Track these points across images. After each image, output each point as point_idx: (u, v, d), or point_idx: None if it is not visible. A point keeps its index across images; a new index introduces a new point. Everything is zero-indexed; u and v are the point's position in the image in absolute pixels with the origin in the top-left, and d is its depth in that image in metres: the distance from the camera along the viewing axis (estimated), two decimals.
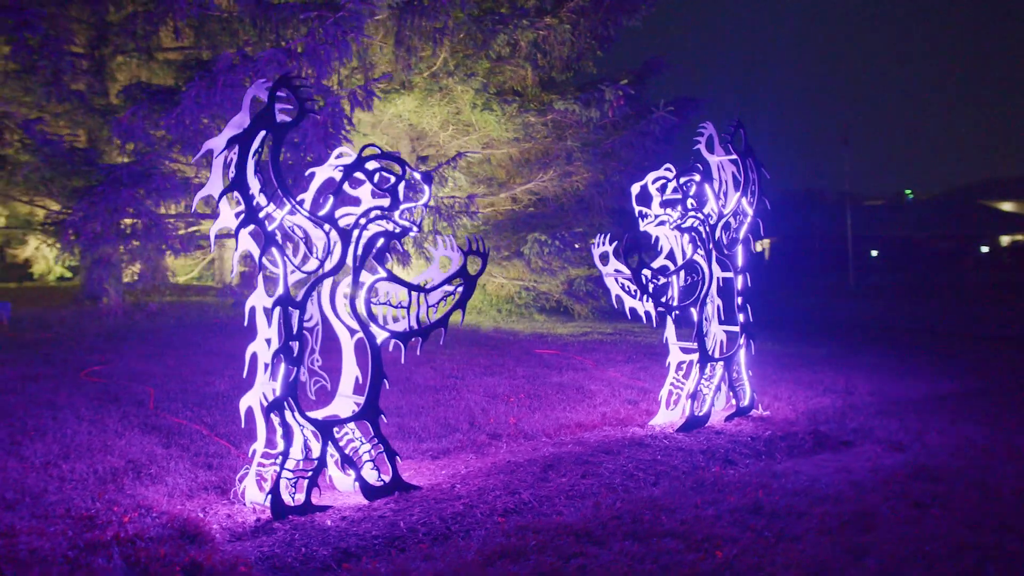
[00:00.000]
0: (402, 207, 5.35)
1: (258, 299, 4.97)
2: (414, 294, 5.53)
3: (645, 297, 6.92)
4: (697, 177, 7.24)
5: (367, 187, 5.34)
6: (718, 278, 7.63)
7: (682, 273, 7.23)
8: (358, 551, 4.49)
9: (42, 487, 5.00)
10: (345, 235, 5.15)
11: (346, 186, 5.27)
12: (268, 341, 4.98)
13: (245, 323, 4.99)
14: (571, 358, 10.83)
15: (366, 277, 5.32)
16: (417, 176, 5.47)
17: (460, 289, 5.74)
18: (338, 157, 5.30)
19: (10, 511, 4.64)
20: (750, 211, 7.70)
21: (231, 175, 4.78)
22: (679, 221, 7.10)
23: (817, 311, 21.51)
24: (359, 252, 5.20)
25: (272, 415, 4.92)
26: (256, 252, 4.86)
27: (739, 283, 7.68)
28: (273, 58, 9.17)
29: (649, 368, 10.16)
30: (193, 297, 14.70)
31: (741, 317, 7.71)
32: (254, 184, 4.77)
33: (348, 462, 5.23)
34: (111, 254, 10.00)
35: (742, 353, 7.76)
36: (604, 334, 13.47)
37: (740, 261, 7.70)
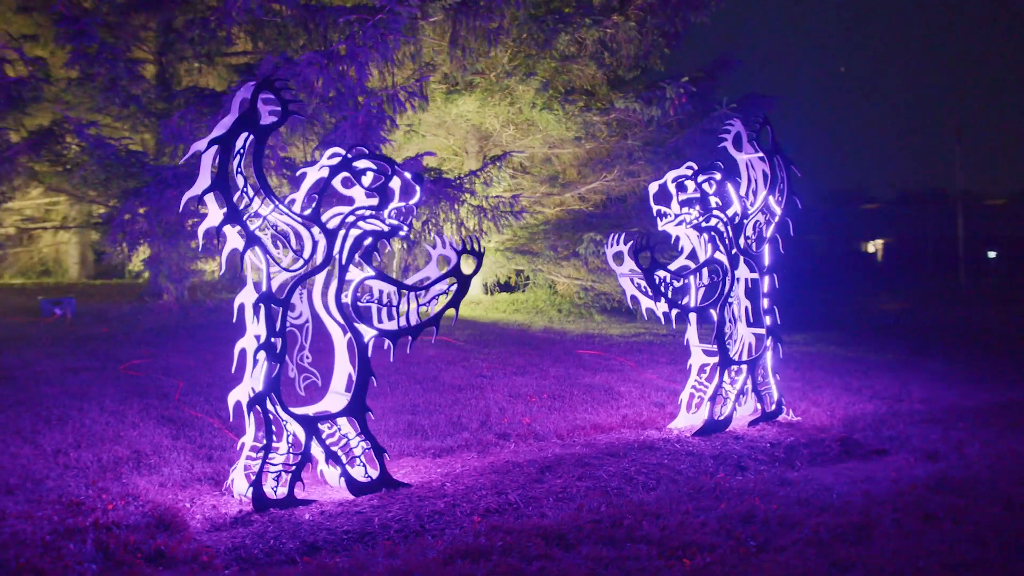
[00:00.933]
0: (391, 207, 5.39)
1: (246, 296, 5.09)
2: (404, 293, 5.57)
3: (661, 299, 6.77)
4: (718, 176, 7.03)
5: (373, 187, 5.41)
6: (746, 279, 7.40)
7: (703, 274, 7.04)
8: (324, 545, 4.56)
9: (45, 474, 5.27)
10: (331, 234, 5.22)
11: (339, 186, 5.35)
12: (257, 337, 5.11)
13: (234, 319, 5.11)
14: (612, 359, 10.69)
15: (355, 275, 5.38)
16: (408, 176, 5.49)
17: (453, 288, 5.75)
18: (331, 157, 5.38)
19: (8, 495, 4.91)
20: (778, 210, 7.42)
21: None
22: (698, 220, 6.91)
23: (914, 315, 20.50)
24: (345, 251, 5.27)
25: (255, 409, 5.03)
26: (241, 250, 4.98)
27: (766, 284, 7.42)
28: (313, 60, 9.40)
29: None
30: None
31: (768, 319, 7.45)
32: (236, 184, 4.89)
33: (333, 458, 5.31)
34: (161, 252, 10.47)
35: (768, 356, 7.50)
36: (657, 335, 13.24)
37: (767, 261, 7.44)
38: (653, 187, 7.07)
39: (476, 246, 5.84)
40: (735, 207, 7.19)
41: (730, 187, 7.17)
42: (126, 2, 11.26)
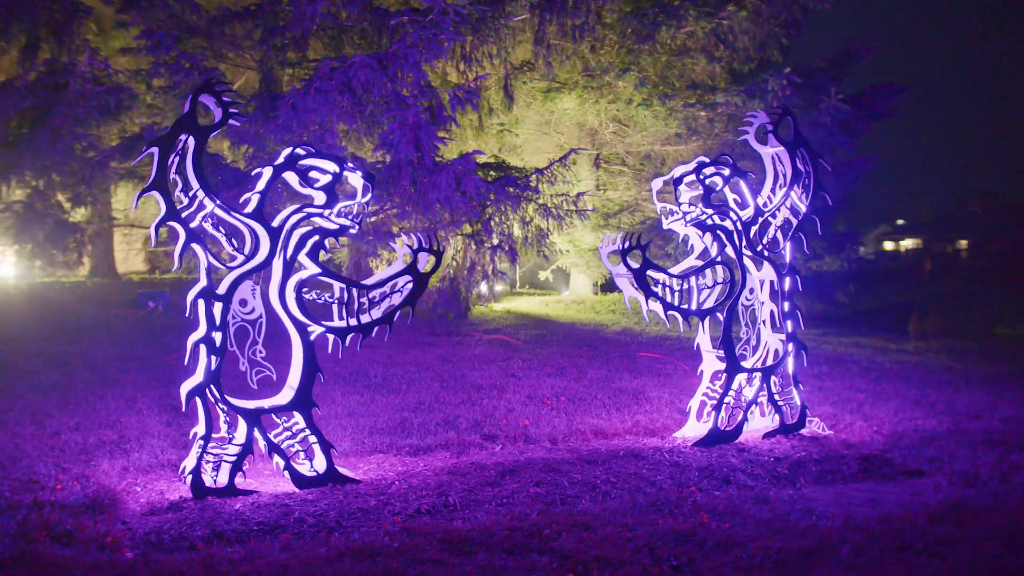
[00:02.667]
0: (339, 206, 5.42)
1: (193, 291, 5.28)
2: (355, 290, 5.58)
3: (651, 300, 6.41)
4: (726, 171, 6.57)
5: (321, 185, 5.49)
6: (770, 281, 6.88)
7: (708, 274, 6.60)
8: (231, 535, 4.64)
9: (28, 453, 5.71)
10: (274, 232, 5.32)
11: (296, 185, 5.45)
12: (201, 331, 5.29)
13: (187, 315, 5.31)
14: (671, 362, 10.23)
15: (303, 272, 5.46)
16: (358, 176, 5.51)
17: (409, 287, 5.71)
18: (287, 157, 5.47)
19: None
20: (803, 207, 6.85)
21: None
22: (701, 218, 6.49)
23: None
24: (290, 248, 5.36)
25: (195, 400, 5.22)
26: (180, 246, 5.17)
27: (787, 286, 6.87)
28: (365, 63, 9.62)
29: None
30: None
31: (789, 324, 6.88)
32: (174, 183, 5.09)
33: (277, 450, 5.40)
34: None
35: (789, 363, 6.92)
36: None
37: (787, 261, 6.89)
38: (657, 183, 6.72)
39: (434, 244, 5.77)
40: (749, 204, 6.71)
41: (742, 183, 6.69)
42: (220, 14, 12.07)
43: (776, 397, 6.85)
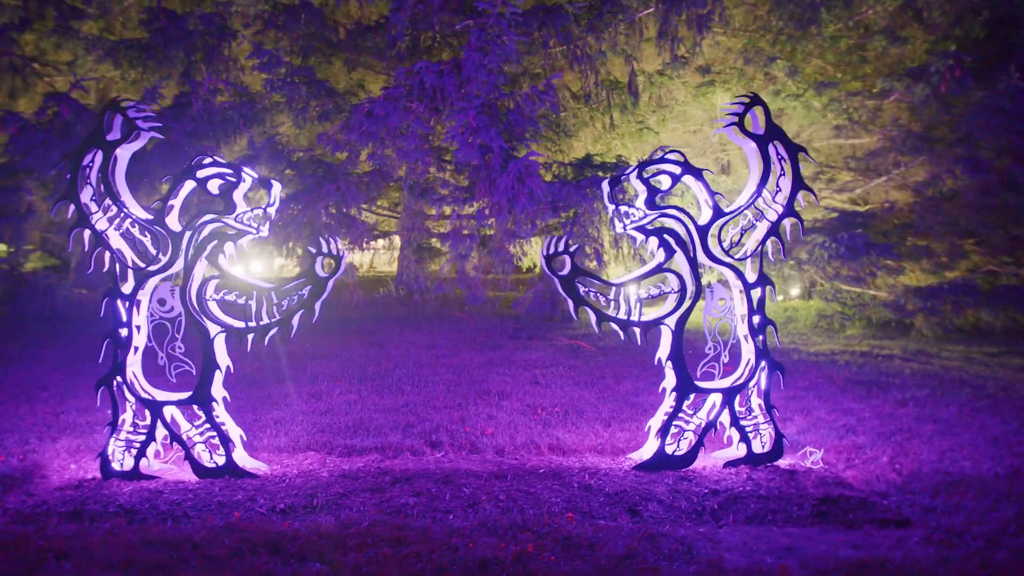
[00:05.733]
0: (239, 211, 5.68)
1: (115, 293, 5.80)
2: (256, 292, 5.79)
3: (580, 308, 5.98)
4: (675, 169, 5.95)
5: (240, 191, 5.80)
6: (739, 291, 6.12)
7: (673, 282, 6.01)
8: (82, 514, 5.06)
9: (5, 426, 6.58)
10: (176, 237, 5.69)
11: (215, 191, 5.80)
12: (138, 328, 5.79)
13: (102, 313, 5.83)
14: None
15: (202, 274, 5.77)
16: (248, 182, 5.73)
17: (308, 290, 5.82)
18: (188, 166, 5.77)
19: None
20: (776, 209, 6.01)
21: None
22: (641, 222, 5.94)
23: None
24: (191, 252, 5.69)
25: (102, 389, 5.73)
26: (90, 250, 5.70)
27: (755, 297, 6.06)
28: (428, 68, 9.76)
29: (816, 395, 8.27)
30: (381, 288, 16.21)
31: (759, 339, 6.07)
32: (85, 193, 5.62)
33: (178, 440, 5.77)
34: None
35: (760, 382, 6.10)
36: (880, 356, 11.00)
37: (756, 271, 6.08)
38: (606, 185, 6.24)
39: (333, 249, 5.83)
40: (707, 205, 6.03)
41: (696, 181, 6.02)
42: (356, 28, 12.92)
43: (742, 422, 6.08)
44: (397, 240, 16.95)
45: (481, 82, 9.77)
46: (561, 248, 5.96)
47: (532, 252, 12.42)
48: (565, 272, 5.95)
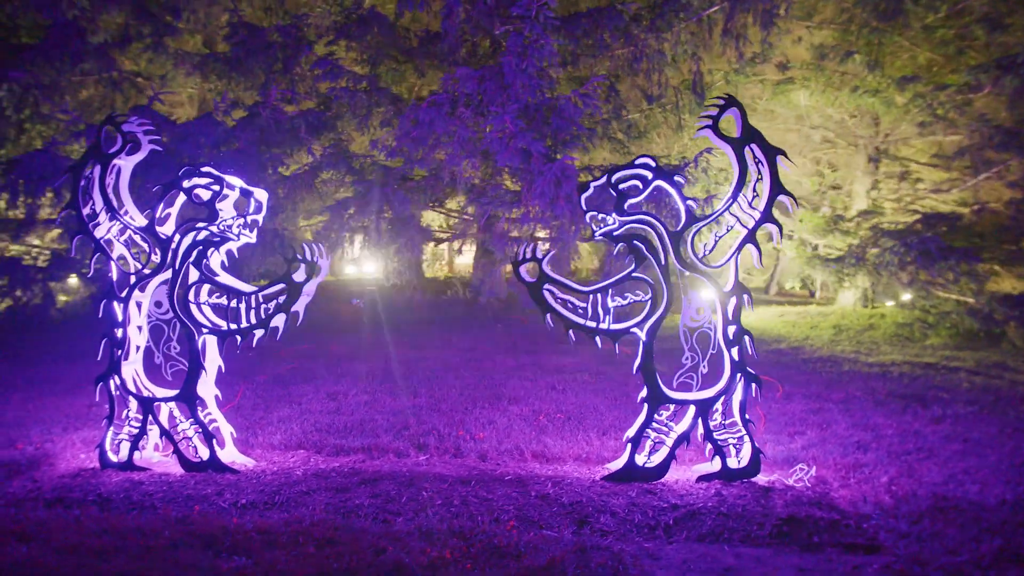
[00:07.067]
0: (223, 218, 5.98)
1: (111, 295, 6.24)
2: (244, 296, 6.07)
3: (548, 315, 5.95)
4: (647, 173, 5.82)
5: (229, 201, 6.14)
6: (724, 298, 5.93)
7: (628, 291, 5.90)
8: (64, 501, 5.49)
9: (40, 417, 7.17)
10: (164, 243, 6.06)
11: (202, 198, 6.14)
12: (139, 328, 6.23)
13: (100, 314, 6.26)
14: (779, 387, 8.96)
15: (193, 278, 6.11)
16: (235, 190, 6.01)
17: (284, 295, 6.05)
18: (177, 176, 6.12)
19: None
20: (751, 215, 5.77)
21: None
22: (609, 227, 5.85)
23: None
24: (178, 258, 6.05)
25: (100, 385, 6.17)
26: (91, 256, 6.15)
27: (731, 307, 5.84)
28: (469, 75, 9.85)
29: (843, 409, 7.85)
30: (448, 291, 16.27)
31: (735, 350, 5.85)
32: (86, 203, 6.07)
33: (167, 436, 6.14)
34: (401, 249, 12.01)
35: (735, 397, 5.88)
36: (945, 369, 10.27)
37: (731, 279, 5.86)
38: (584, 189, 6.17)
39: (310, 255, 6.04)
40: (682, 213, 5.87)
41: (670, 187, 5.87)
42: (426, 36, 13.27)
43: (716, 435, 5.88)
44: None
45: (520, 86, 9.82)
46: (530, 255, 5.96)
47: (586, 256, 12.39)
48: (533, 279, 5.95)
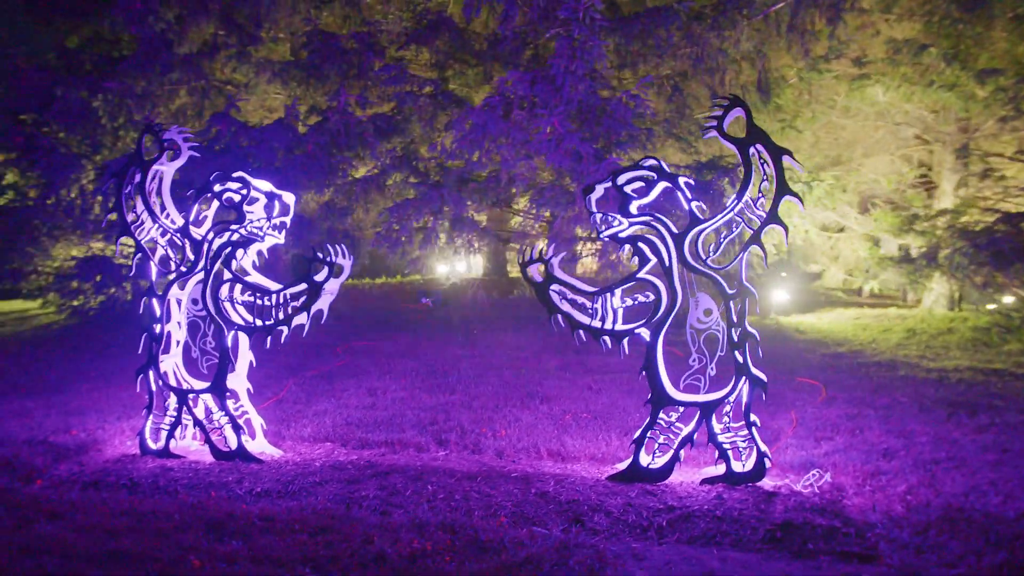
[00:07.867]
0: (251, 219, 6.34)
1: (151, 293, 6.69)
2: (272, 296, 6.39)
3: (555, 316, 6.04)
4: (650, 175, 5.84)
5: (259, 204, 6.51)
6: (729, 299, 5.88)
7: (627, 293, 5.94)
8: (98, 484, 5.94)
9: (96, 406, 7.73)
10: (197, 244, 6.46)
11: (232, 200, 6.52)
12: (179, 324, 6.67)
13: (140, 311, 6.72)
14: (820, 391, 8.73)
15: (226, 277, 6.49)
16: (263, 194, 6.35)
17: (306, 295, 6.35)
18: (207, 181, 6.50)
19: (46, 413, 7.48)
20: (757, 215, 5.70)
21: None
22: (615, 228, 5.89)
23: None
24: (211, 258, 6.44)
25: (141, 377, 6.63)
26: (134, 256, 6.61)
27: (735, 309, 5.79)
28: (521, 78, 9.96)
29: (882, 415, 7.61)
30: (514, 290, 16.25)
31: (739, 355, 5.79)
32: (129, 206, 6.54)
33: (200, 426, 6.54)
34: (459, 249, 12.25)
35: (741, 397, 5.81)
36: (1012, 376, 9.74)
37: (737, 281, 5.80)
38: (591, 190, 6.22)
39: (331, 255, 6.30)
40: (687, 214, 5.85)
41: (675, 189, 5.86)
42: (493, 38, 13.48)
43: (720, 438, 5.85)
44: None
45: (570, 88, 9.90)
46: (536, 256, 6.07)
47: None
48: (539, 280, 6.05)
